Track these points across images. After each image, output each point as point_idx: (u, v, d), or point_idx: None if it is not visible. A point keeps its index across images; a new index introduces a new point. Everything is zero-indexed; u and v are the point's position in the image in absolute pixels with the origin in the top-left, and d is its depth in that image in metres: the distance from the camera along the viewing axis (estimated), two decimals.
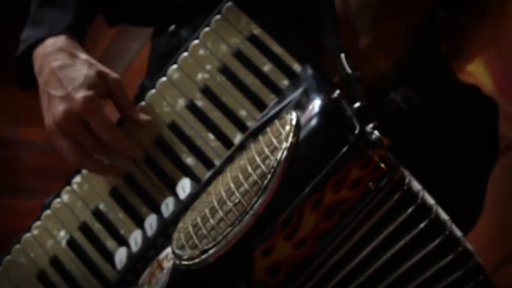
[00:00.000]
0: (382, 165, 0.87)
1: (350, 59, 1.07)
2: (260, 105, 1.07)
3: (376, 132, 0.90)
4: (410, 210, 0.87)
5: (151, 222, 1.05)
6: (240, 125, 1.07)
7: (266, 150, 0.90)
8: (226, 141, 1.07)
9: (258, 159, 0.90)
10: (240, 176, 0.91)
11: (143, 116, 1.10)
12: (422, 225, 0.87)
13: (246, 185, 0.89)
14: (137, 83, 1.21)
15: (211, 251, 0.89)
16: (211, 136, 1.09)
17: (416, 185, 0.90)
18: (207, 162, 1.08)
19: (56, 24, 1.15)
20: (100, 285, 1.09)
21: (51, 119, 1.09)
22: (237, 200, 0.89)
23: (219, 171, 1.00)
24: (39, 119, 1.16)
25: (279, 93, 1.05)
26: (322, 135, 0.89)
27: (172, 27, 1.15)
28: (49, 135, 1.12)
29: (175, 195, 1.06)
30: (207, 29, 1.10)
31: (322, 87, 0.97)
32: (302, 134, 0.89)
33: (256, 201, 0.88)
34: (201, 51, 1.10)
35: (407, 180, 0.88)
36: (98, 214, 1.12)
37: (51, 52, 1.12)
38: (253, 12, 1.09)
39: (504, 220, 1.77)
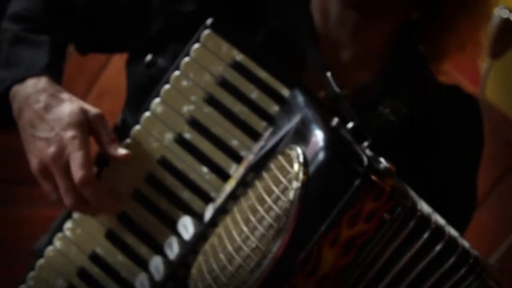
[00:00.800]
0: (395, 195, 0.88)
1: (333, 75, 1.07)
2: (252, 133, 1.05)
3: (383, 161, 0.90)
4: (425, 235, 0.88)
5: (156, 264, 1.03)
6: (234, 155, 1.05)
7: (276, 190, 0.89)
8: (221, 173, 1.06)
9: (268, 200, 0.89)
10: (252, 219, 0.90)
11: (125, 153, 1.07)
12: (438, 247, 0.88)
13: (261, 229, 0.88)
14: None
15: None
16: (204, 169, 1.07)
17: (426, 208, 0.91)
18: (203, 196, 1.06)
19: (34, 64, 1.11)
20: None
21: (38, 161, 1.06)
22: (254, 245, 0.88)
23: (222, 209, 0.99)
24: None
25: (270, 119, 1.04)
26: (331, 170, 0.88)
27: (148, 57, 1.12)
28: (38, 176, 1.08)
29: (177, 234, 1.04)
30: (187, 59, 1.07)
31: (318, 115, 0.97)
32: (311, 171, 0.88)
33: (274, 244, 0.88)
34: (184, 82, 1.07)
35: (419, 206, 0.89)
36: (95, 259, 1.10)
37: (32, 94, 1.08)
38: (233, 38, 1.07)
39: None
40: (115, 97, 1.37)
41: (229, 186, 1.02)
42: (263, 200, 0.90)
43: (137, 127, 1.09)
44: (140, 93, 1.14)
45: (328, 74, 1.04)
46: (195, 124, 1.07)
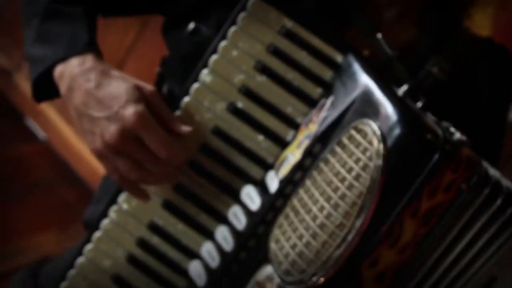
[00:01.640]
0: (471, 165, 0.91)
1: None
2: (307, 100, 1.06)
3: (457, 132, 0.93)
4: (499, 201, 0.93)
5: (224, 234, 1.06)
6: (290, 122, 1.07)
7: (356, 167, 0.91)
8: (277, 140, 1.07)
9: (349, 177, 0.92)
10: (334, 196, 0.93)
11: (185, 127, 1.07)
12: (510, 211, 0.93)
13: (344, 206, 0.91)
14: None
15: (320, 274, 0.92)
16: (260, 137, 1.08)
17: (495, 173, 0.95)
18: (261, 163, 1.08)
19: (75, 41, 1.08)
20: None
21: (100, 142, 1.04)
22: (338, 222, 0.91)
23: (290, 180, 1.01)
24: None
25: (325, 85, 1.06)
26: (409, 144, 0.91)
27: (191, 25, 1.09)
28: (98, 158, 1.07)
29: (241, 204, 1.07)
30: (234, 28, 1.06)
31: (381, 83, 0.98)
32: (389, 146, 0.91)
33: (358, 219, 0.91)
34: (233, 52, 1.07)
35: (491, 173, 0.93)
36: (154, 228, 1.11)
37: (81, 73, 1.05)
38: (280, 5, 1.06)
39: None
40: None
41: (291, 155, 1.04)
42: (342, 176, 0.93)
43: (187, 98, 1.09)
44: (185, 61, 1.13)
45: (379, 35, 1.05)
46: (247, 92, 1.07)
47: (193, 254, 1.09)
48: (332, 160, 0.96)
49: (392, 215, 0.91)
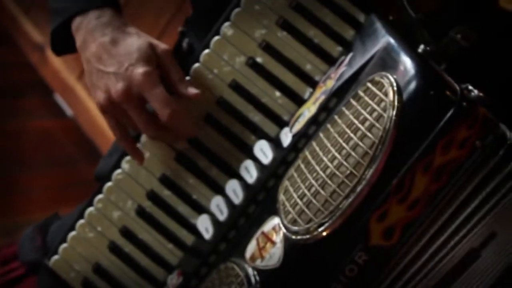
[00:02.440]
0: (487, 123, 0.89)
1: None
2: (327, 58, 1.05)
3: (473, 89, 0.92)
4: None
5: (233, 188, 1.05)
6: (308, 79, 1.06)
7: (370, 118, 0.90)
8: (294, 97, 1.06)
9: (362, 128, 0.90)
10: (345, 146, 0.91)
11: (193, 90, 1.06)
12: None
13: (356, 156, 0.90)
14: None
15: (327, 224, 0.90)
16: (277, 93, 1.07)
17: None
18: (277, 120, 1.07)
19: None
20: (180, 250, 1.10)
21: (105, 97, 1.05)
22: (348, 172, 0.90)
23: (304, 134, 1.00)
24: None
25: (346, 44, 1.05)
26: (425, 98, 0.89)
27: None
28: (102, 112, 1.07)
29: (254, 158, 1.06)
30: None
31: (401, 41, 0.97)
32: (405, 99, 0.89)
33: (369, 170, 0.89)
34: (256, 6, 1.06)
35: (509, 135, 0.91)
36: (165, 181, 1.11)
37: (97, 27, 1.06)
38: None
39: None
40: None
41: (306, 111, 1.03)
42: (355, 127, 0.91)
43: (207, 50, 1.09)
44: (206, 16, 1.13)
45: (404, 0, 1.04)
46: (267, 47, 1.06)
47: (202, 209, 1.09)
48: (347, 112, 0.94)
49: (404, 168, 0.89)
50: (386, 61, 0.95)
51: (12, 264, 1.27)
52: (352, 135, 0.92)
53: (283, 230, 0.94)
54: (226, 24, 1.07)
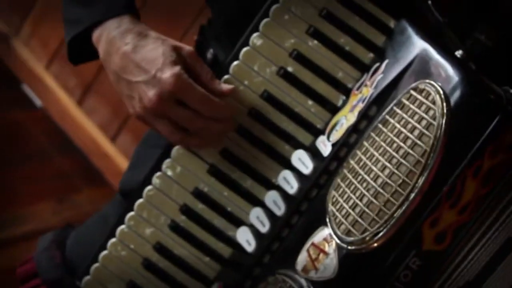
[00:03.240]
0: None
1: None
2: (359, 65, 1.05)
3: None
4: None
5: (274, 199, 1.05)
6: (341, 87, 1.06)
7: (419, 126, 0.91)
8: (328, 105, 1.07)
9: (412, 136, 0.91)
10: (395, 154, 0.92)
11: (227, 86, 1.06)
12: None
13: (407, 164, 0.91)
14: None
15: (382, 233, 0.91)
16: (310, 101, 1.07)
17: None
18: (311, 129, 1.07)
19: (113, 3, 1.07)
20: (217, 264, 1.09)
21: (141, 106, 1.04)
22: (401, 181, 0.91)
23: (345, 143, 1.01)
24: None
25: (378, 51, 1.05)
26: (472, 104, 0.91)
27: None
28: (142, 121, 1.06)
29: (291, 168, 1.06)
30: None
31: (438, 46, 0.98)
32: (452, 106, 0.91)
33: (421, 179, 0.90)
34: (285, 16, 1.06)
35: None
36: (199, 195, 1.10)
37: (118, 36, 1.04)
38: None
39: None
40: None
41: (344, 119, 1.04)
42: (404, 136, 0.92)
43: (236, 62, 1.08)
44: (231, 26, 1.12)
45: (429, 2, 1.05)
46: (298, 57, 1.06)
47: (240, 221, 1.08)
48: (392, 120, 0.95)
49: (454, 174, 0.91)
50: (426, 68, 0.97)
51: (33, 281, 1.25)
52: (401, 144, 0.93)
53: (336, 240, 0.95)
54: (255, 34, 1.06)
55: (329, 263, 0.95)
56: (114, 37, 1.05)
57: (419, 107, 0.93)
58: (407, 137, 0.93)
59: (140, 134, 1.32)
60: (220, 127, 1.05)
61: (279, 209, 1.04)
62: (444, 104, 0.91)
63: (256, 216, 1.07)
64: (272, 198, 1.05)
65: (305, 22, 1.06)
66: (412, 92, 0.95)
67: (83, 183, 2.29)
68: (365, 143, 0.97)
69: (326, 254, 0.95)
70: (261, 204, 1.07)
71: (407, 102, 0.95)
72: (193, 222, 1.11)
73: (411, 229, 0.92)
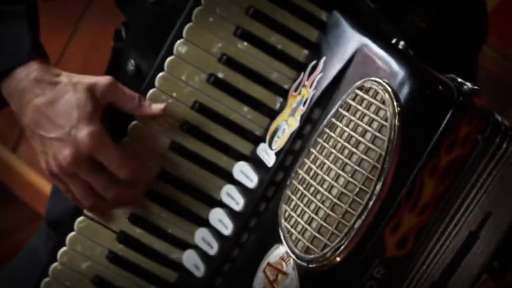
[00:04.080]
0: (485, 115, 0.87)
1: None
2: (293, 64, 0.98)
3: (467, 83, 0.89)
4: (504, 145, 0.87)
5: (219, 217, 0.97)
6: (276, 89, 0.99)
7: (370, 129, 0.85)
8: (265, 110, 0.99)
9: (363, 140, 0.85)
10: (348, 162, 0.85)
11: (157, 107, 0.97)
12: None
13: (363, 171, 0.85)
14: None
15: (343, 246, 0.85)
16: (245, 107, 0.99)
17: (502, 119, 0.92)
18: (249, 137, 0.99)
19: (17, 49, 0.97)
20: None
21: (55, 164, 0.96)
22: (357, 189, 0.85)
23: (290, 151, 0.94)
24: None
25: (312, 47, 0.98)
26: (422, 99, 0.85)
27: None
28: (53, 180, 0.98)
29: (234, 182, 0.98)
30: None
31: (376, 38, 0.92)
32: (403, 104, 0.85)
33: (378, 184, 0.84)
34: (210, 19, 0.97)
35: (501, 120, 0.89)
36: (135, 220, 1.01)
37: (28, 87, 0.95)
38: None
39: None
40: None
41: (284, 124, 0.97)
42: (355, 140, 0.86)
43: (162, 73, 0.99)
44: (150, 33, 1.03)
45: None
46: (228, 61, 0.98)
47: (184, 244, 1.00)
48: (340, 124, 0.89)
49: (412, 175, 0.86)
50: (368, 64, 0.90)
51: None
52: (354, 149, 0.86)
53: (294, 259, 0.88)
54: (179, 41, 0.98)
55: (289, 284, 0.88)
56: (23, 88, 0.96)
57: (367, 107, 0.87)
58: (359, 142, 0.86)
59: None
60: (137, 192, 0.98)
61: (226, 228, 0.96)
62: (395, 103, 0.85)
63: (202, 237, 0.99)
64: (217, 217, 0.98)
65: (232, 23, 0.98)
66: (358, 91, 0.89)
67: None
68: (313, 151, 0.91)
69: (285, 274, 0.89)
70: (206, 223, 0.99)
71: (353, 103, 0.89)
72: (132, 249, 1.02)
73: (373, 238, 0.86)
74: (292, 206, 0.91)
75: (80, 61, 2.13)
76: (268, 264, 0.91)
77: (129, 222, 1.01)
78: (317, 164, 0.90)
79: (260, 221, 0.95)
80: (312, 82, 0.96)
